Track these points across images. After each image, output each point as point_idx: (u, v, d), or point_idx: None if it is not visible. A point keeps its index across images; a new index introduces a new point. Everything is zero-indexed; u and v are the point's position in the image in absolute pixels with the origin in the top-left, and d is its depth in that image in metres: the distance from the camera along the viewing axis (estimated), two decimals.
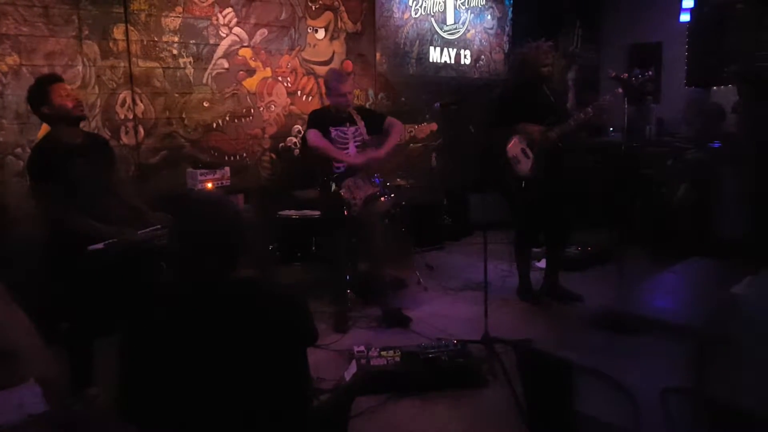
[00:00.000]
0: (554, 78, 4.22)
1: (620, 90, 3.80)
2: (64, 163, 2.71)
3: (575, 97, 4.19)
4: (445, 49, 6.38)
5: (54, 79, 2.81)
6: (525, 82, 4.02)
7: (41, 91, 2.75)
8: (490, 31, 6.82)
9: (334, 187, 3.70)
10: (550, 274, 4.29)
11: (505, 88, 4.22)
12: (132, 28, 4.21)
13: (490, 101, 4.28)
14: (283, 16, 5.08)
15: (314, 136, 3.72)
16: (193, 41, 4.55)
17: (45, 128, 3.29)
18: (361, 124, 3.81)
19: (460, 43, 6.51)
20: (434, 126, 3.73)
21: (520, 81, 4.10)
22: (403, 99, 6.02)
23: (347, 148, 3.77)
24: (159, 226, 2.88)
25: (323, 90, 4.95)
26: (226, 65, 4.75)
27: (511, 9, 6.98)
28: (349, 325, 3.83)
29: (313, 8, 5.27)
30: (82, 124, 2.95)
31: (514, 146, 3.95)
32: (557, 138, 3.85)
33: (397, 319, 3.85)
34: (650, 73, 3.67)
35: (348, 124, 3.79)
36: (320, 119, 3.79)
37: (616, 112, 3.82)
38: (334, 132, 3.75)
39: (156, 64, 4.37)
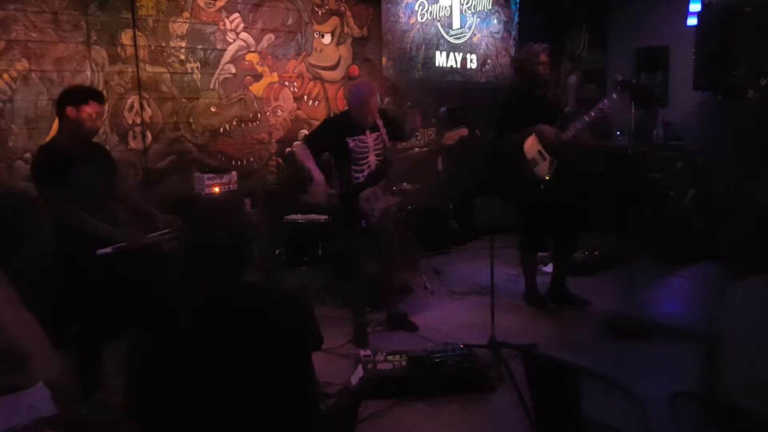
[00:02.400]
0: (552, 80, 4.22)
1: (615, 95, 3.82)
2: (66, 168, 2.73)
3: (576, 101, 4.18)
4: (452, 54, 6.39)
5: (99, 96, 2.89)
6: (525, 86, 4.01)
7: (80, 96, 2.82)
8: (497, 35, 6.82)
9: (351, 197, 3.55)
10: (557, 278, 4.27)
11: (509, 92, 4.22)
12: (140, 33, 4.24)
13: (496, 106, 4.27)
14: (290, 21, 5.10)
15: (300, 151, 3.65)
16: (201, 46, 4.58)
17: (53, 134, 3.32)
18: (383, 130, 3.59)
19: (466, 48, 6.52)
20: (465, 131, 3.63)
21: (520, 85, 4.09)
22: (409, 103, 6.03)
23: (367, 159, 3.56)
24: (167, 230, 2.89)
25: (339, 96, 4.88)
26: (233, 70, 4.78)
27: (517, 13, 6.97)
28: (368, 339, 3.69)
29: (320, 13, 5.29)
30: None
31: (531, 148, 3.91)
32: (572, 139, 3.83)
33: (403, 325, 3.84)
34: (657, 80, 3.67)
35: (368, 132, 3.56)
36: (334, 130, 3.59)
37: (617, 115, 3.81)
38: (352, 143, 3.52)
39: (163, 70, 4.40)
